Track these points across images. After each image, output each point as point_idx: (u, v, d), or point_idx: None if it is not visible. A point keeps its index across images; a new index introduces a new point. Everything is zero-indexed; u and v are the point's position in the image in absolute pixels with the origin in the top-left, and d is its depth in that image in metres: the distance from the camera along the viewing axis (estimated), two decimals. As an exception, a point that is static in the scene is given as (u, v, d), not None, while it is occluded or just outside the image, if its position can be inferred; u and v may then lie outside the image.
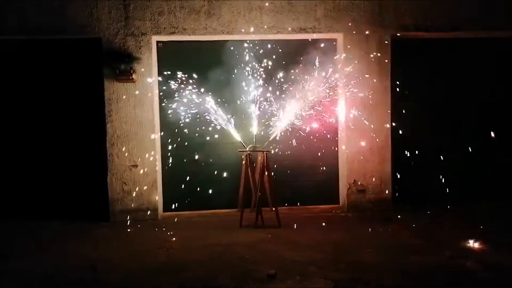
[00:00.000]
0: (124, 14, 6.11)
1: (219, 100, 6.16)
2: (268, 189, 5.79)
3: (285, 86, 6.22)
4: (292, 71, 6.21)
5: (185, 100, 6.20)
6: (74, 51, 6.32)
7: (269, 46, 6.28)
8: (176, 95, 6.25)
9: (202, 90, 6.16)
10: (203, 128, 6.28)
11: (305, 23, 6.24)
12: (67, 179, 6.36)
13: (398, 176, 6.48)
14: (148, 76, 6.14)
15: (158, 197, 6.27)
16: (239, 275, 4.17)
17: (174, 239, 5.33)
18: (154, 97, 6.22)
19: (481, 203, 6.41)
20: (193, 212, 6.34)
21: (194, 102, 6.16)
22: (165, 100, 6.30)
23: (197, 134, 6.31)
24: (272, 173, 5.94)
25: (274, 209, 5.82)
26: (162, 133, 6.34)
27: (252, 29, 6.18)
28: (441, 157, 6.59)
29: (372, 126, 6.33)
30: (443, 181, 6.50)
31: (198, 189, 6.36)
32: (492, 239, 4.99)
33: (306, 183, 6.40)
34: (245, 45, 6.28)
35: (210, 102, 6.05)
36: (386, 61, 6.35)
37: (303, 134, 6.24)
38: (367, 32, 6.29)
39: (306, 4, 6.22)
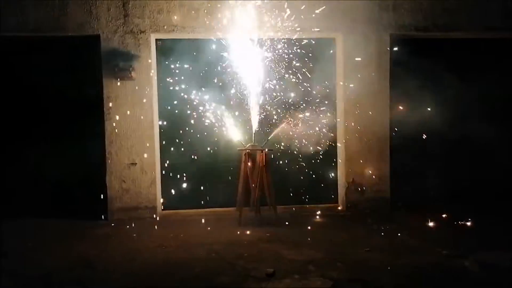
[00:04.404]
0: (123, 11, 6.10)
1: (218, 98, 6.16)
2: (267, 188, 5.79)
3: (285, 85, 6.21)
4: (291, 70, 6.21)
5: (184, 98, 6.19)
6: (73, 49, 6.30)
7: (268, 45, 6.26)
8: (175, 93, 6.24)
9: (201, 88, 6.15)
10: (202, 126, 6.28)
11: (304, 22, 6.23)
12: (65, 177, 6.33)
13: (397, 176, 6.49)
14: (147, 74, 6.13)
15: (157, 195, 6.26)
16: (238, 274, 4.17)
17: (173, 237, 5.33)
18: (153, 95, 6.21)
19: (482, 203, 6.40)
20: (192, 211, 6.34)
21: (193, 100, 6.15)
22: (164, 98, 6.30)
23: (196, 132, 6.31)
24: (271, 171, 5.95)
25: (273, 207, 5.83)
26: (161, 131, 6.34)
27: (251, 28, 6.17)
28: (441, 157, 6.60)
29: (371, 125, 6.34)
30: (442, 181, 6.51)
31: (197, 187, 6.37)
32: (491, 239, 5.02)
33: (305, 182, 6.41)
34: (244, 43, 6.26)
35: (209, 100, 6.05)
36: (386, 60, 6.35)
37: (302, 133, 6.24)
38: (366, 32, 6.29)
39: (306, 4, 6.21)
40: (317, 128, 6.27)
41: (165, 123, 6.32)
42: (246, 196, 5.89)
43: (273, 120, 6.06)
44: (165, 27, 6.13)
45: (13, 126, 6.36)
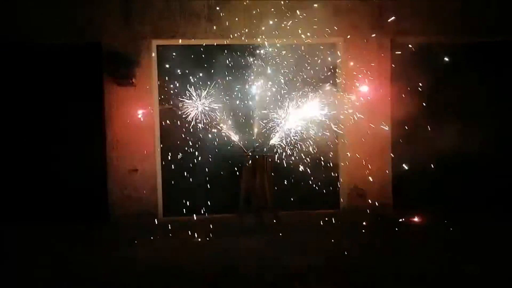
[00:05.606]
0: (124, 18, 6.12)
1: (219, 104, 6.15)
2: (268, 193, 5.77)
3: (285, 90, 6.20)
4: (292, 75, 6.20)
5: (185, 104, 6.19)
6: (74, 55, 6.32)
7: (269, 50, 6.27)
8: (176, 98, 6.25)
9: (202, 94, 6.15)
10: (203, 132, 6.26)
11: (305, 27, 6.23)
12: (67, 183, 6.33)
13: (399, 181, 6.46)
14: (148, 80, 6.14)
15: (158, 201, 6.26)
16: (238, 280, 4.15)
17: (174, 242, 5.31)
18: (154, 101, 6.22)
19: (484, 208, 6.36)
20: (193, 216, 6.32)
21: (194, 106, 6.15)
22: (165, 103, 6.30)
23: (197, 138, 6.31)
24: (272, 177, 5.93)
25: (274, 213, 5.80)
26: (162, 137, 6.34)
27: (251, 33, 6.18)
28: (442, 161, 6.57)
29: (372, 130, 6.32)
30: (444, 185, 6.48)
31: (198, 193, 6.35)
32: (492, 242, 4.99)
33: (307, 187, 6.37)
34: (245, 48, 6.28)
35: (210, 106, 6.05)
36: (386, 65, 6.36)
37: (303, 138, 6.21)
38: (367, 36, 6.30)
39: (307, 9, 6.22)
40: (318, 133, 6.24)
41: (166, 129, 6.32)
42: (247, 202, 5.87)
43: (275, 126, 6.03)
44: (166, 33, 6.15)
45: (13, 132, 6.35)
